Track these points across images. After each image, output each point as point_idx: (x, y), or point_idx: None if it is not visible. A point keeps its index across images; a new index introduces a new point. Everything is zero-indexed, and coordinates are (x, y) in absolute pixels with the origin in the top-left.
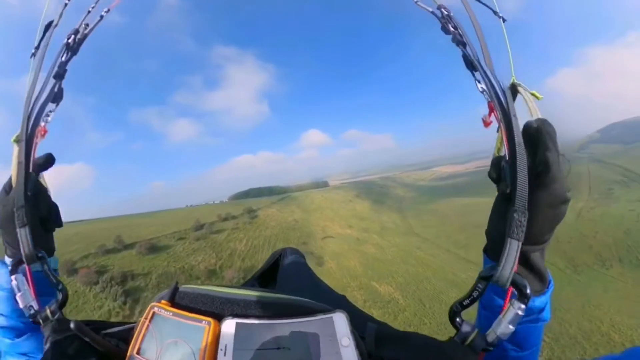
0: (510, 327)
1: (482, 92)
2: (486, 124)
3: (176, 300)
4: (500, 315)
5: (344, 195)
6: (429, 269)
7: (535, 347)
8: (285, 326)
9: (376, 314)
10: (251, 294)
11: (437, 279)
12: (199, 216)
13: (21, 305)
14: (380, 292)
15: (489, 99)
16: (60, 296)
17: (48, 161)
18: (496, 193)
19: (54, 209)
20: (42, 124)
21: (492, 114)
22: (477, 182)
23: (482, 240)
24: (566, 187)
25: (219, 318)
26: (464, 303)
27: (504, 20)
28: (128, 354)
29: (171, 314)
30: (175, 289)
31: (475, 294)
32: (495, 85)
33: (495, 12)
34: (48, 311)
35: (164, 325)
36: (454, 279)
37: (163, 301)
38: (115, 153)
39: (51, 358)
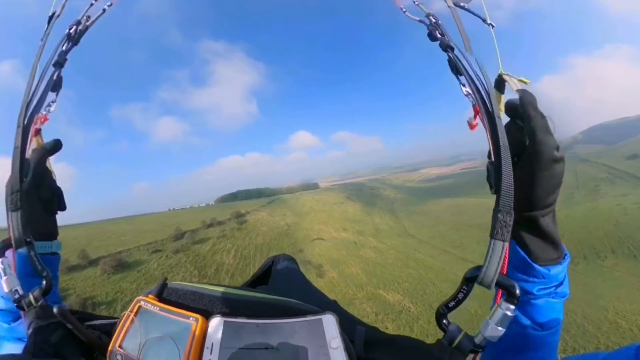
0: (499, 328)
1: (466, 95)
2: (472, 126)
3: (164, 296)
4: (488, 316)
5: (335, 197)
6: (431, 271)
7: (555, 328)
8: (274, 326)
9: (390, 327)
10: (241, 293)
11: (441, 280)
12: (180, 222)
13: (6, 289)
14: (390, 301)
15: (474, 102)
16: (44, 283)
17: (56, 146)
18: (485, 193)
19: (57, 193)
20: (44, 112)
21: (477, 116)
22: (465, 183)
23: (476, 240)
24: (555, 146)
25: (207, 315)
26: (450, 305)
27: (492, 27)
28: (110, 346)
29: (158, 308)
30: (164, 284)
31: (460, 295)
32: (480, 87)
33: (484, 20)
34: (31, 297)
35: (150, 319)
36: (456, 280)
37: (150, 295)
38: (95, 152)
39: (34, 344)
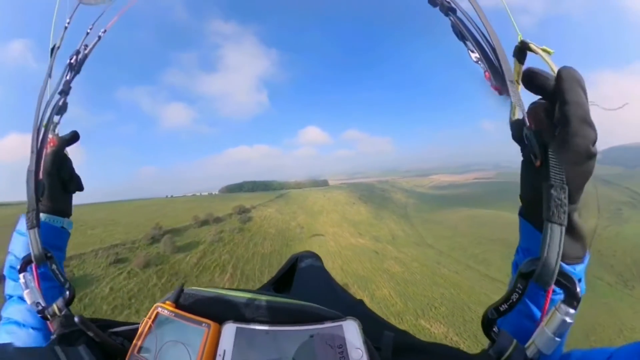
0: (556, 339)
1: (476, 61)
2: (497, 88)
3: (180, 302)
4: (542, 323)
5: (347, 197)
6: (461, 290)
7: None
8: (289, 334)
9: None
10: (257, 297)
11: (474, 303)
12: (167, 214)
13: (28, 302)
14: (436, 335)
15: (484, 69)
16: (67, 294)
17: (73, 138)
18: (504, 206)
19: (75, 176)
20: (50, 135)
21: (490, 81)
22: (482, 193)
23: (500, 256)
24: (593, 140)
25: (221, 321)
26: (501, 309)
27: None
28: (129, 352)
29: (173, 314)
30: (181, 290)
31: (514, 296)
32: (488, 49)
33: None
34: (55, 307)
35: (166, 325)
36: (489, 303)
37: (167, 302)
38: (104, 134)
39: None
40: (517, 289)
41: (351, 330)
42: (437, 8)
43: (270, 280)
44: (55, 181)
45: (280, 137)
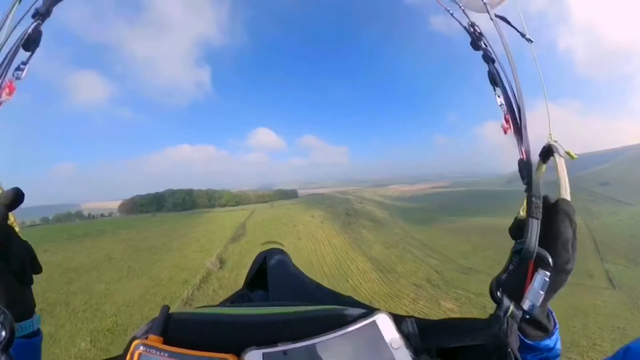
0: (541, 292)
1: (500, 105)
2: (504, 129)
3: (170, 334)
4: (531, 284)
5: (331, 218)
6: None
7: None
8: (324, 344)
9: None
10: (268, 312)
11: None
12: None
13: None
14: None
15: (505, 112)
16: None
17: (16, 197)
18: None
19: (27, 256)
20: (12, 78)
21: (508, 124)
22: (458, 202)
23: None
24: (567, 260)
25: (238, 351)
26: (502, 278)
27: (531, 42)
28: None
29: (167, 354)
30: (167, 317)
31: (510, 267)
32: (513, 101)
33: (523, 35)
34: None
35: None
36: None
37: (152, 336)
38: None
39: None
40: (512, 262)
41: (385, 323)
42: (480, 54)
43: (244, 284)
44: (6, 277)
45: (225, 136)
